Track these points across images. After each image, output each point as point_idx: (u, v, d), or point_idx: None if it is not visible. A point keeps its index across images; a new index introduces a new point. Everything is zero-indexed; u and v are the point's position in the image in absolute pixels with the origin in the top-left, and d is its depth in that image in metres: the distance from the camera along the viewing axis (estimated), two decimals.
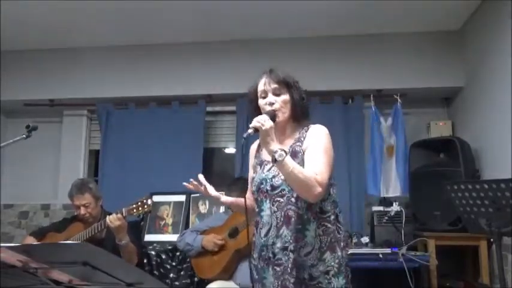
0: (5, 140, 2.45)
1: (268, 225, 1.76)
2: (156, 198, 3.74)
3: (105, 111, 4.03)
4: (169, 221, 3.68)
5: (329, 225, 1.76)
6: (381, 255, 2.90)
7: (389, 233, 3.22)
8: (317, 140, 1.77)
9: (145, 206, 2.70)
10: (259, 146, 1.92)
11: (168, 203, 3.74)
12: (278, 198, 1.76)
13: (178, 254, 3.25)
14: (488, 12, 3.19)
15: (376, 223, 3.29)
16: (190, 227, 3.52)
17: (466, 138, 3.33)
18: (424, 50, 3.71)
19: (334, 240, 1.75)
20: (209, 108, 4.00)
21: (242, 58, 3.90)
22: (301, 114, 1.84)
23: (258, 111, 1.83)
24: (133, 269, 1.50)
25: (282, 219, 1.74)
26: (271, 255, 1.74)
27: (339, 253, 1.75)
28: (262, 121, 1.65)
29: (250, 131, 1.65)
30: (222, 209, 3.56)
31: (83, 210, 2.89)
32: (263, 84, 1.83)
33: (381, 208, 3.36)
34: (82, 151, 4.19)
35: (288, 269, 1.69)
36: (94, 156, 4.29)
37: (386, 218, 3.28)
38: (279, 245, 1.72)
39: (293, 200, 1.73)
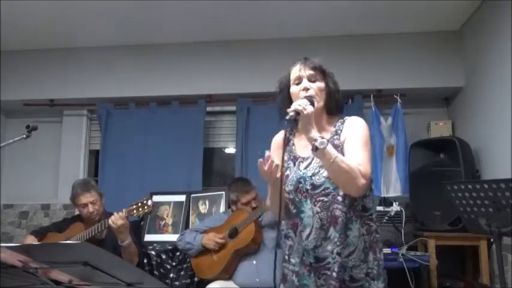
0: (5, 140, 2.44)
1: (310, 228, 1.63)
2: (156, 198, 3.74)
3: (105, 111, 4.03)
4: (169, 221, 3.68)
5: (371, 223, 1.66)
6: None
7: (389, 233, 3.22)
8: (356, 132, 1.67)
9: (146, 207, 2.70)
10: (287, 140, 1.79)
11: (168, 203, 3.73)
12: (321, 198, 1.62)
13: (178, 254, 3.24)
14: (488, 12, 3.19)
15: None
16: (190, 227, 3.52)
17: (466, 138, 3.33)
18: (424, 50, 3.71)
19: (375, 240, 1.66)
20: (209, 108, 4.00)
21: (242, 58, 3.90)
22: (335, 105, 1.74)
23: (289, 100, 1.72)
24: (133, 269, 1.50)
25: (328, 219, 1.61)
26: (312, 260, 1.62)
27: (378, 254, 1.66)
28: (304, 105, 1.54)
29: (292, 113, 1.52)
30: (222, 209, 3.56)
31: (90, 208, 2.88)
32: (298, 70, 1.73)
33: (381, 208, 3.36)
34: (82, 151, 4.19)
35: (334, 272, 1.59)
36: (94, 156, 4.29)
37: (386, 218, 3.28)
38: (329, 247, 1.60)
39: (339, 198, 1.60)
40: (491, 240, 2.72)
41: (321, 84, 1.72)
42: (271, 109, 3.79)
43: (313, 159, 1.68)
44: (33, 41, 3.98)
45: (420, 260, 2.85)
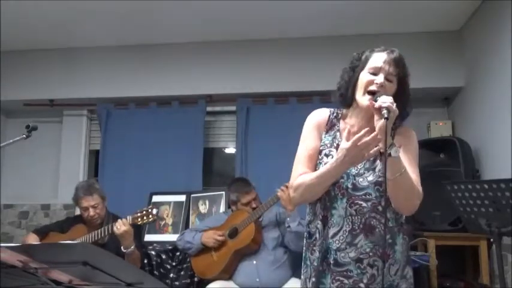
0: (5, 140, 2.44)
1: (338, 227, 1.52)
2: (156, 198, 3.75)
3: (105, 111, 4.03)
4: (169, 221, 3.68)
5: (407, 237, 1.59)
6: None
7: None
8: (411, 146, 1.55)
9: (150, 216, 2.70)
10: (331, 124, 1.64)
11: (168, 203, 3.74)
12: (360, 202, 1.51)
13: (178, 254, 3.24)
14: (488, 12, 3.19)
15: None
16: (190, 227, 3.52)
17: (466, 138, 3.33)
18: (424, 50, 3.71)
19: (408, 254, 1.59)
20: (209, 108, 4.00)
21: (242, 58, 3.90)
22: (400, 115, 1.48)
23: (353, 83, 1.57)
24: (133, 269, 1.50)
25: (360, 226, 1.50)
26: (332, 261, 1.52)
27: (410, 267, 1.59)
28: (392, 105, 1.38)
29: (385, 111, 1.36)
30: (222, 209, 3.56)
31: (92, 212, 2.87)
32: (381, 60, 1.53)
33: None
34: (82, 151, 4.18)
35: (362, 284, 1.48)
36: (94, 156, 4.29)
37: None
38: (352, 254, 1.49)
39: (379, 208, 1.49)
40: (491, 240, 2.71)
41: (393, 86, 1.53)
42: (271, 109, 3.85)
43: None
44: (33, 41, 3.98)
45: (420, 260, 2.85)
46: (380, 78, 1.51)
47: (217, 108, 4.12)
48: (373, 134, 1.39)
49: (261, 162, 3.70)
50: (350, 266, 1.50)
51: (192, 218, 3.66)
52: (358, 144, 1.39)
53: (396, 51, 1.56)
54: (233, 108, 3.98)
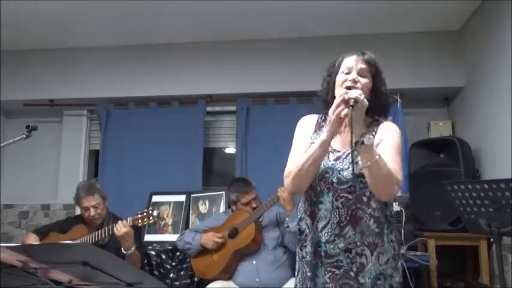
0: (5, 140, 2.45)
1: (326, 221, 1.59)
2: (156, 198, 3.75)
3: (105, 111, 4.03)
4: (169, 221, 3.68)
5: (395, 231, 1.64)
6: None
7: None
8: (392, 138, 1.62)
9: (151, 217, 2.71)
10: (318, 126, 1.73)
11: (168, 203, 3.74)
12: (345, 195, 1.57)
13: (178, 254, 3.24)
14: (488, 12, 3.19)
15: None
16: (190, 227, 3.52)
17: (466, 138, 3.33)
18: (424, 50, 3.71)
19: (400, 248, 1.66)
20: (209, 108, 4.00)
21: (242, 58, 3.90)
22: (378, 107, 1.64)
23: (332, 87, 1.68)
24: (133, 269, 1.50)
25: (347, 217, 1.56)
26: (323, 253, 1.59)
27: (401, 262, 1.65)
28: (361, 96, 1.48)
29: (352, 101, 1.46)
30: (222, 209, 3.56)
31: (92, 212, 2.87)
32: (352, 60, 1.66)
33: None
34: (82, 151, 4.19)
35: (352, 273, 1.55)
36: (94, 156, 4.29)
37: None
38: (341, 245, 1.56)
39: (364, 199, 1.57)
40: (491, 240, 2.72)
41: (368, 81, 1.64)
42: (271, 109, 3.84)
43: (344, 153, 1.62)
44: (33, 41, 3.98)
45: (420, 260, 2.85)
46: (353, 75, 1.62)
47: (217, 108, 4.12)
48: (342, 96, 1.50)
49: (261, 162, 3.70)
50: (340, 257, 1.56)
51: (192, 218, 3.66)
52: (335, 111, 1.50)
53: (367, 52, 1.69)
54: (233, 108, 3.98)
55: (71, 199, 3.06)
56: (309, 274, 1.61)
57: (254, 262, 2.83)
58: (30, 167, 4.22)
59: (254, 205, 2.96)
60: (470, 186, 1.95)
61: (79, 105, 4.17)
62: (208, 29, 3.73)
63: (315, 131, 1.73)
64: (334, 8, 3.36)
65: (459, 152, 3.13)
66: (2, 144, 2.43)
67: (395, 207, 3.28)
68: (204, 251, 2.97)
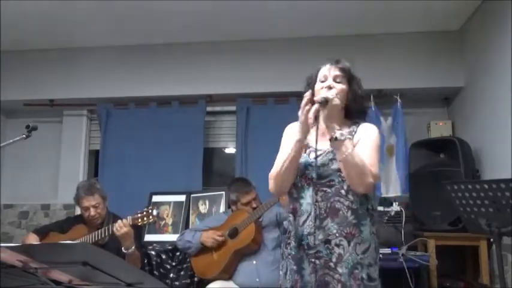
0: (5, 140, 2.45)
1: (307, 214, 1.68)
2: (156, 198, 3.75)
3: (105, 111, 4.03)
4: (169, 221, 3.68)
5: (377, 224, 1.73)
6: (380, 255, 2.88)
7: (389, 233, 3.22)
8: (370, 136, 1.73)
9: (151, 217, 2.70)
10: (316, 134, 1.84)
11: (168, 203, 3.74)
12: (325, 188, 1.67)
13: (178, 254, 3.25)
14: (488, 12, 3.19)
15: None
16: (190, 227, 3.52)
17: (466, 138, 3.33)
18: (424, 50, 3.71)
19: (377, 241, 1.73)
20: (209, 108, 4.00)
21: (242, 58, 3.90)
22: (355, 110, 1.78)
23: (313, 97, 1.74)
24: (133, 269, 1.50)
25: (326, 210, 1.65)
26: (306, 246, 1.67)
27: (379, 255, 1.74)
28: (334, 95, 1.64)
29: (322, 99, 1.60)
30: (222, 209, 3.56)
31: (92, 212, 2.87)
32: (326, 69, 1.80)
33: (380, 208, 3.36)
34: (82, 151, 4.19)
35: (331, 263, 1.63)
36: (94, 156, 4.29)
37: (386, 218, 3.28)
38: (320, 236, 1.64)
39: (343, 192, 1.65)
40: (491, 240, 2.72)
41: (344, 86, 1.76)
42: (271, 109, 3.84)
43: (324, 151, 1.71)
44: (33, 41, 3.98)
45: (420, 260, 2.85)
46: (328, 81, 1.76)
47: (217, 108, 4.12)
48: (307, 96, 1.63)
49: (261, 162, 3.69)
50: (320, 247, 1.65)
51: (192, 218, 3.66)
52: (303, 111, 1.62)
53: (342, 60, 1.82)
54: (233, 108, 3.98)
55: (71, 199, 3.06)
56: (294, 268, 1.70)
57: (254, 262, 2.83)
58: (30, 167, 4.22)
59: (254, 205, 2.96)
60: (470, 186, 1.95)
61: (79, 105, 4.17)
62: (208, 29, 3.73)
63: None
64: (334, 8, 3.36)
65: (459, 152, 3.13)
66: (2, 144, 2.43)
67: (395, 207, 3.28)
68: (204, 250, 2.97)
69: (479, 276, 3.08)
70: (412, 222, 3.26)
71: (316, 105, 1.59)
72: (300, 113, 1.64)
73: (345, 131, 1.70)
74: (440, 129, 3.64)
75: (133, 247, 2.70)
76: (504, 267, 2.20)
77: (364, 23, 3.61)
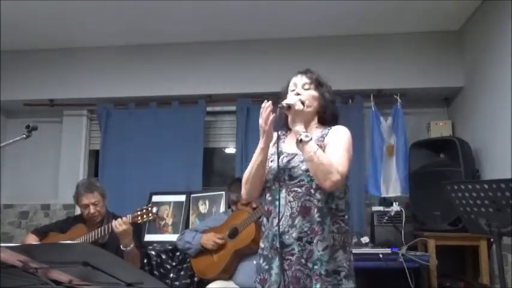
0: (5, 140, 2.45)
1: (281, 214, 1.75)
2: (156, 198, 3.75)
3: (105, 111, 4.03)
4: (169, 221, 3.68)
5: (343, 224, 1.76)
6: (381, 255, 2.90)
7: (389, 233, 3.22)
8: (339, 137, 1.79)
9: (150, 214, 2.71)
10: (278, 138, 1.90)
11: (168, 203, 3.74)
12: (295, 188, 1.75)
13: (178, 254, 3.25)
14: (488, 12, 3.19)
15: (376, 223, 3.29)
16: (190, 227, 3.52)
17: (466, 138, 3.33)
18: (424, 50, 3.71)
19: (346, 241, 1.75)
20: (209, 108, 4.00)
21: (242, 58, 3.90)
22: (328, 115, 1.86)
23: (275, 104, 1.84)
24: (133, 269, 1.50)
25: (298, 209, 1.72)
26: (279, 245, 1.73)
27: (349, 255, 1.75)
28: (296, 101, 1.74)
29: (285, 104, 1.71)
30: (222, 209, 3.56)
31: (92, 209, 2.87)
32: (296, 78, 1.91)
33: (380, 208, 3.36)
34: (82, 151, 4.19)
35: (302, 259, 1.70)
36: (94, 156, 4.29)
37: (386, 218, 3.28)
38: (294, 234, 1.71)
39: (312, 191, 1.72)
40: (491, 240, 2.72)
41: (313, 92, 1.86)
42: None
43: (295, 155, 1.80)
44: (33, 41, 3.98)
45: (420, 260, 2.85)
46: (297, 90, 1.86)
47: (217, 108, 4.12)
48: (268, 105, 1.76)
49: None
50: (293, 245, 1.72)
51: (192, 218, 3.66)
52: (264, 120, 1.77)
53: (309, 70, 1.93)
54: (233, 108, 3.98)
55: (71, 199, 3.06)
56: (266, 267, 1.79)
57: (254, 262, 2.82)
58: (30, 167, 4.22)
59: (254, 205, 2.96)
60: (470, 186, 1.95)
61: (79, 105, 4.17)
62: (208, 29, 3.73)
63: (274, 144, 1.89)
64: (334, 8, 3.36)
65: (459, 152, 3.13)
66: (2, 144, 2.43)
67: (395, 207, 3.29)
68: (204, 251, 2.97)
69: (479, 276, 3.08)
70: (412, 222, 3.27)
71: (272, 116, 1.73)
72: (260, 121, 1.78)
73: (317, 134, 1.81)
74: (440, 129, 3.64)
75: (132, 245, 2.70)
76: (504, 267, 2.20)
77: (364, 23, 3.61)
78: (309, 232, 1.70)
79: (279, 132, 1.82)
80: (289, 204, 1.74)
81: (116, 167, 3.93)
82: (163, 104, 4.02)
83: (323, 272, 1.67)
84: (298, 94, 1.83)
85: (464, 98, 3.63)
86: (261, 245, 1.85)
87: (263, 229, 1.85)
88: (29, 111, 4.14)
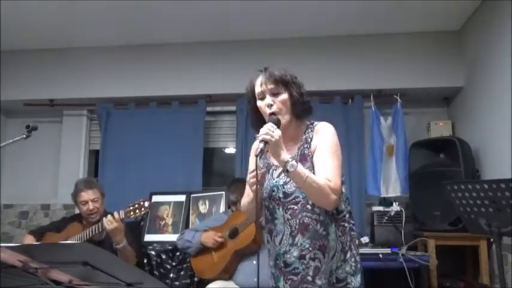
0: (5, 140, 2.45)
1: (282, 233, 1.71)
2: (156, 198, 3.75)
3: (105, 111, 4.03)
4: (169, 221, 3.68)
5: (345, 224, 1.72)
6: (381, 255, 2.90)
7: (389, 233, 3.22)
8: (324, 141, 1.71)
9: (143, 209, 2.68)
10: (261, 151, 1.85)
11: (168, 203, 3.74)
12: (292, 206, 1.69)
13: (178, 254, 3.25)
14: (488, 12, 3.19)
15: (376, 223, 3.30)
16: (190, 227, 3.52)
17: (466, 138, 3.33)
18: (424, 50, 3.71)
19: (350, 239, 1.72)
20: (209, 108, 4.00)
21: (242, 58, 3.90)
22: (302, 111, 1.76)
23: (257, 112, 1.78)
24: (133, 269, 1.50)
25: (296, 226, 1.68)
26: (282, 264, 1.69)
27: (354, 251, 1.72)
28: (271, 132, 1.59)
29: (261, 146, 1.57)
30: (222, 209, 3.56)
31: (91, 205, 2.87)
32: (259, 85, 1.74)
33: (380, 208, 3.36)
34: (82, 151, 4.19)
35: (309, 277, 1.64)
36: (94, 156, 4.29)
37: (386, 218, 3.28)
38: (295, 253, 1.67)
39: (309, 207, 1.67)
40: (491, 240, 2.72)
41: (284, 96, 1.72)
42: None
43: None
44: (33, 41, 3.98)
45: (420, 260, 2.85)
46: (267, 100, 1.72)
47: (217, 108, 4.12)
48: (252, 175, 1.66)
49: None
50: (296, 264, 1.67)
51: (192, 218, 3.66)
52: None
53: (268, 68, 1.76)
54: (233, 108, 3.98)
55: (71, 199, 3.06)
56: (274, 285, 1.75)
57: (254, 262, 2.83)
58: (30, 167, 4.22)
59: None
60: (470, 186, 1.95)
61: (79, 105, 4.17)
62: (208, 29, 3.73)
63: (260, 158, 1.80)
64: (334, 8, 3.36)
65: (459, 152, 3.13)
66: (2, 144, 2.43)
67: (395, 207, 3.29)
68: (204, 250, 2.97)
69: (479, 276, 3.08)
70: (412, 222, 3.27)
71: (253, 179, 1.66)
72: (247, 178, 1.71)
73: (300, 138, 1.74)
74: (440, 129, 3.64)
75: (124, 242, 2.68)
76: (504, 267, 2.20)
77: (364, 23, 3.61)
78: (311, 249, 1.65)
79: (263, 148, 1.62)
80: (288, 222, 1.69)
81: (115, 167, 3.93)
82: (163, 104, 4.02)
83: (334, 280, 1.67)
84: (270, 105, 1.70)
85: (464, 98, 3.63)
86: (270, 263, 1.79)
87: (269, 246, 1.79)
88: (29, 111, 4.14)
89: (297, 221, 1.67)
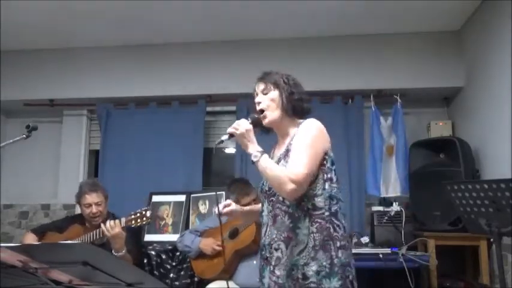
0: (5, 140, 2.44)
1: (266, 225, 1.80)
2: (156, 198, 3.75)
3: (105, 111, 4.03)
4: (169, 221, 3.68)
5: (323, 222, 1.68)
6: (381, 255, 2.90)
7: (389, 233, 3.22)
8: (302, 135, 1.75)
9: (144, 218, 2.64)
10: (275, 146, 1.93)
11: (168, 203, 3.74)
12: (272, 198, 1.79)
13: (178, 254, 3.25)
14: (488, 12, 3.19)
15: (376, 223, 3.30)
16: (190, 227, 3.52)
17: (466, 138, 3.33)
18: (424, 50, 3.71)
19: (327, 239, 1.67)
20: (209, 108, 4.00)
21: (242, 58, 3.90)
22: (291, 109, 1.81)
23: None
24: (133, 269, 1.50)
25: (270, 217, 1.77)
26: (268, 254, 1.76)
27: (333, 253, 1.66)
28: (237, 125, 1.74)
29: (224, 137, 1.75)
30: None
31: (94, 209, 2.86)
32: (255, 86, 1.89)
33: (380, 208, 3.36)
34: (82, 151, 4.18)
35: (271, 266, 1.72)
36: (94, 156, 4.29)
37: (386, 218, 3.28)
38: (266, 241, 1.77)
39: (280, 198, 1.75)
40: (491, 240, 2.72)
41: (273, 94, 1.82)
42: None
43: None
44: (33, 41, 3.98)
45: (420, 260, 2.85)
46: (257, 98, 1.86)
47: (217, 108, 4.12)
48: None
49: None
50: (266, 252, 1.77)
51: (192, 218, 3.66)
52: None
53: (264, 72, 1.89)
54: (233, 108, 3.98)
55: (71, 199, 3.06)
56: (259, 276, 1.82)
57: (254, 262, 2.83)
58: (30, 167, 4.22)
59: None
60: (470, 186, 1.95)
61: (79, 105, 4.17)
62: (208, 29, 3.73)
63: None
64: (334, 8, 3.36)
65: (459, 152, 3.13)
66: (2, 144, 2.43)
67: (395, 207, 3.29)
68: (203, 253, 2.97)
69: (479, 276, 3.08)
70: (412, 222, 3.27)
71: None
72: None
73: (290, 136, 1.81)
74: (440, 129, 3.64)
75: (124, 250, 2.65)
76: (504, 267, 2.20)
77: (364, 23, 3.61)
78: (276, 239, 1.72)
79: (226, 139, 1.81)
80: (270, 213, 1.78)
81: (115, 167, 3.93)
82: (163, 104, 4.02)
83: (300, 276, 1.66)
84: (258, 103, 1.84)
85: (464, 98, 3.63)
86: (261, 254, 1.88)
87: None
88: (29, 111, 4.14)
89: (272, 211, 1.77)
